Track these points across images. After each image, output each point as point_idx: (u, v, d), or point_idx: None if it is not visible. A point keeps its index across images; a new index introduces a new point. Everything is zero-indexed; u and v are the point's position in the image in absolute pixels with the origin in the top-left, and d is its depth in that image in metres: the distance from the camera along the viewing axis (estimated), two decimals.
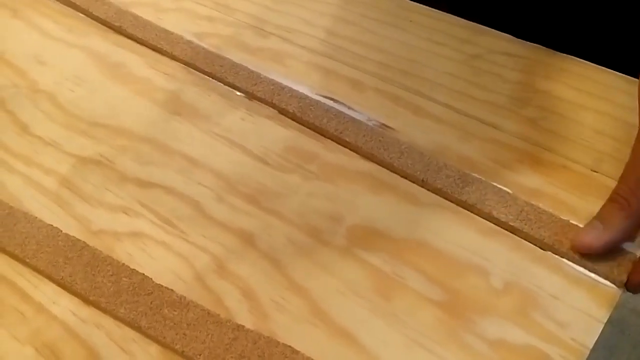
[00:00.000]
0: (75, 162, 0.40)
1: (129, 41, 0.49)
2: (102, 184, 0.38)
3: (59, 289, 0.33)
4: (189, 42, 0.47)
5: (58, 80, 0.46)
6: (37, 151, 0.41)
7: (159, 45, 0.47)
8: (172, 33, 0.48)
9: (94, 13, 0.51)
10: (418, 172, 0.36)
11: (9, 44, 0.50)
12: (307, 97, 0.42)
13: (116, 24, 0.49)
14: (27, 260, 0.34)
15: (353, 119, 0.40)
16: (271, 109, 0.42)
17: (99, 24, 0.51)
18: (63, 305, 0.32)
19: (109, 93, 0.44)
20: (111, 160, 0.40)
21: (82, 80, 0.46)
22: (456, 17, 0.49)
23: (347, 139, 0.39)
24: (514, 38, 0.46)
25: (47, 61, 0.48)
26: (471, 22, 0.48)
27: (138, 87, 0.45)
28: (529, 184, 0.36)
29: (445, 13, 0.49)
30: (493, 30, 0.47)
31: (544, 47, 0.45)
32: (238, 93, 0.44)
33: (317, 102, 0.42)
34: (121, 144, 0.41)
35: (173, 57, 0.46)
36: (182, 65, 0.46)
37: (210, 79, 0.45)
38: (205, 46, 0.47)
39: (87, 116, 0.43)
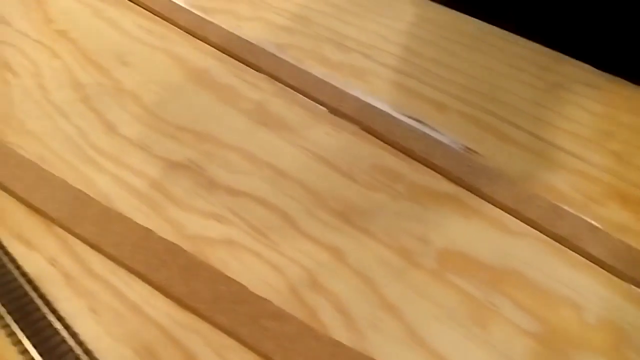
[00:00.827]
0: (164, 165, 0.40)
1: (211, 47, 0.50)
2: (192, 189, 0.39)
3: (154, 290, 0.34)
4: (273, 55, 0.48)
5: (142, 81, 0.47)
6: (125, 152, 0.41)
7: (243, 56, 0.48)
8: (255, 45, 0.49)
9: (177, 21, 0.52)
10: (508, 201, 0.37)
11: (91, 42, 0.51)
12: (391, 116, 0.42)
13: (199, 32, 0.50)
14: (123, 261, 0.34)
15: (439, 142, 0.41)
16: (355, 125, 0.43)
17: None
18: (159, 307, 0.33)
19: (194, 98, 0.45)
20: (200, 165, 0.40)
21: (166, 83, 0.47)
22: (534, 43, 0.49)
23: (435, 162, 0.39)
24: (594, 69, 0.47)
25: (131, 62, 0.49)
26: (550, 49, 0.48)
27: (223, 94, 0.45)
28: (617, 219, 0.37)
29: (523, 39, 0.49)
30: (572, 59, 0.48)
31: (625, 80, 0.45)
32: (321, 107, 0.44)
33: (402, 122, 0.42)
34: (209, 150, 0.41)
35: (257, 69, 0.47)
36: (265, 75, 0.47)
37: (294, 91, 0.45)
38: (288, 58, 0.48)
39: (172, 120, 0.44)
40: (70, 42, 0.51)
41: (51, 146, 0.42)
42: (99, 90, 0.46)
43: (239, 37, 0.50)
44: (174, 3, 0.54)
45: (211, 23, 0.51)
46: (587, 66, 0.47)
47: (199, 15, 0.52)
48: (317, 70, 0.47)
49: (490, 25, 0.50)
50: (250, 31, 0.51)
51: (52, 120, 0.44)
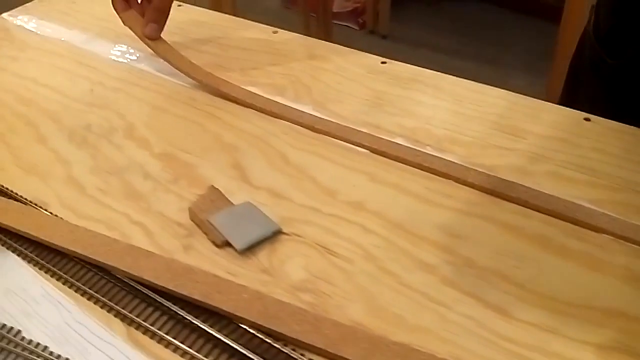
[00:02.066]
0: (593, 350, 0.39)
1: (533, 211, 0.49)
2: None
3: None
4: (603, 213, 0.48)
5: (490, 256, 0.45)
6: (541, 340, 0.40)
7: (572, 215, 0.48)
8: (578, 204, 0.49)
9: (472, 182, 0.52)
10: None
11: (396, 213, 0.50)
12: None
13: (509, 194, 0.50)
14: None
15: None
16: None
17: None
18: None
19: (562, 270, 0.44)
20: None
21: (518, 255, 0.45)
22: None
23: None
24: None
25: (461, 234, 0.48)
26: None
27: (582, 261, 0.45)
28: None
29: None
30: None
31: None
32: None
33: None
34: (626, 329, 0.40)
35: (593, 228, 0.47)
36: (607, 236, 0.47)
37: None
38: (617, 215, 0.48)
39: (558, 296, 0.42)
40: (373, 214, 0.50)
41: (458, 343, 0.40)
42: (455, 270, 0.45)
43: (550, 196, 0.50)
44: (454, 163, 0.54)
45: (496, 178, 0.52)
46: None
47: (492, 175, 0.52)
48: None
49: None
50: (547, 186, 0.51)
51: (430, 310, 0.42)
